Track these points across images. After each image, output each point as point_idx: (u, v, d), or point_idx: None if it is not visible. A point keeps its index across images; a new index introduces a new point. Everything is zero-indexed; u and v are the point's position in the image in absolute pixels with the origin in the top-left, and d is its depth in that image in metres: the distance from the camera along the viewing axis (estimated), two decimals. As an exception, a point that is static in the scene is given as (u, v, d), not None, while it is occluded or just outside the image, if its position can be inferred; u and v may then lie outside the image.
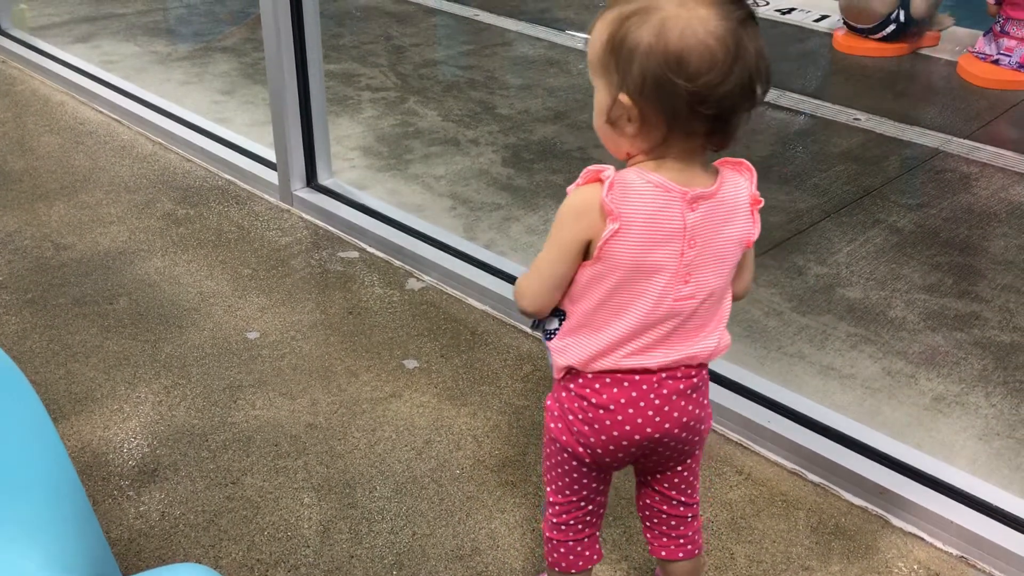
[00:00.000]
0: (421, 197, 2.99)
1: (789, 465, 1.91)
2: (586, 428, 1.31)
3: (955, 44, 4.43)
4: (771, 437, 1.94)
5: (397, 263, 2.60)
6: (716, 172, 1.23)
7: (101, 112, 3.53)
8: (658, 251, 1.20)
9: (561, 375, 1.32)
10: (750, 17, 1.14)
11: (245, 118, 3.51)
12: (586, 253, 1.22)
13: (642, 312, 1.23)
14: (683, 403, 1.30)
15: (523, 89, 3.90)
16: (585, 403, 1.30)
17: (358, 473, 1.88)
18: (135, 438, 1.96)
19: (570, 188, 1.22)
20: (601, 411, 1.29)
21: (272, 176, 2.92)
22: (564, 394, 1.32)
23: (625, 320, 1.24)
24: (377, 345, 2.26)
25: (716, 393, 2.02)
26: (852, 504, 1.83)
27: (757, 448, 1.96)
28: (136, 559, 1.69)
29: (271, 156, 2.95)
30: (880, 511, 1.80)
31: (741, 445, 1.97)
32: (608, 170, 1.17)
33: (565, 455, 1.36)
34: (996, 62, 4.02)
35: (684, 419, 1.31)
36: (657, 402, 1.29)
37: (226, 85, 3.84)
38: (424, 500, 1.81)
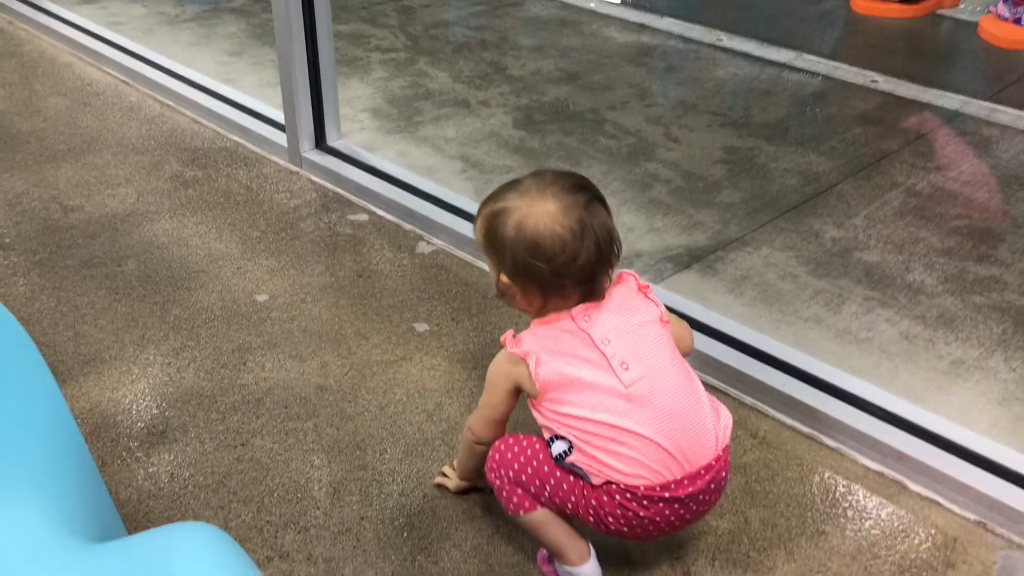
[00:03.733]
0: (431, 159, 2.96)
1: (805, 429, 1.89)
2: (625, 529, 1.44)
3: (975, 4, 4.34)
4: (786, 400, 1.91)
5: (407, 226, 2.57)
6: None
7: (109, 73, 3.49)
8: (578, 360, 1.40)
9: (601, 483, 1.42)
10: (593, 199, 1.41)
11: (253, 79, 3.46)
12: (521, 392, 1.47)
13: (616, 404, 1.38)
14: (718, 493, 1.47)
15: (535, 50, 3.84)
16: (631, 514, 1.41)
17: (368, 435, 1.86)
18: (144, 400, 1.95)
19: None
20: (647, 521, 1.42)
21: (281, 138, 2.89)
22: (606, 498, 1.41)
23: (612, 417, 1.38)
24: (387, 308, 2.24)
25: (730, 356, 2.00)
26: (868, 468, 1.80)
27: (772, 412, 1.93)
28: (145, 520, 1.68)
29: (280, 118, 2.91)
30: (897, 475, 1.78)
31: (756, 409, 1.94)
32: (509, 333, 1.48)
33: (564, 501, 1.47)
34: (1018, 21, 3.94)
35: (719, 493, 1.47)
36: (693, 507, 1.43)
37: (234, 46, 3.79)
38: (435, 462, 1.80)
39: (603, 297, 1.45)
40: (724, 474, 1.46)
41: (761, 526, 1.68)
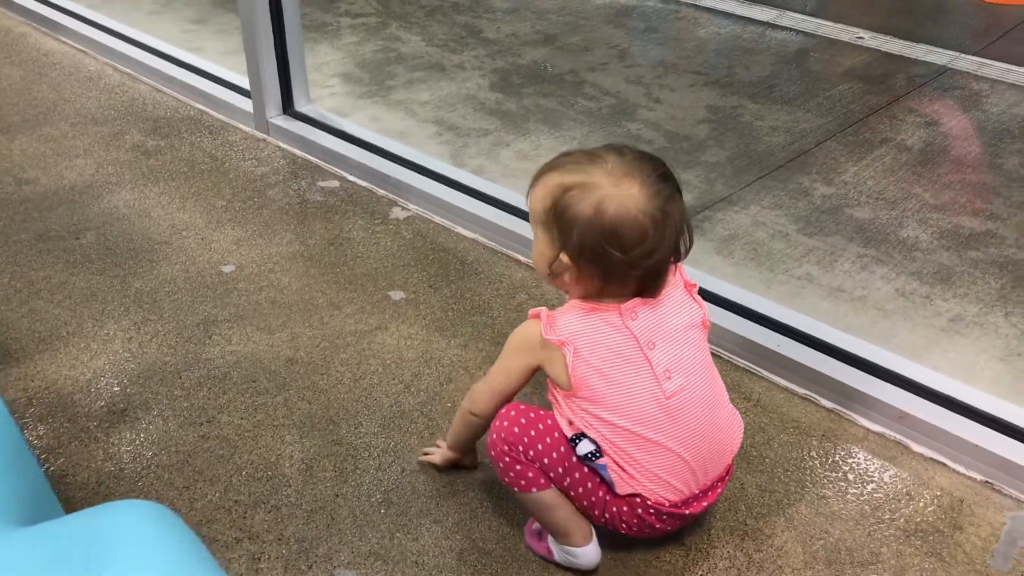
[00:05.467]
0: (405, 124, 2.84)
1: (800, 390, 1.80)
2: (634, 531, 1.39)
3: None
4: (781, 361, 1.82)
5: (381, 192, 2.46)
6: None
7: (66, 43, 3.35)
8: (622, 362, 1.29)
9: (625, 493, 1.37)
10: (676, 191, 1.29)
11: (218, 47, 3.33)
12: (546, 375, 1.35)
13: (654, 415, 1.30)
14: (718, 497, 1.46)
15: (510, 13, 3.72)
16: (646, 523, 1.37)
17: (342, 408, 1.76)
18: (103, 377, 1.84)
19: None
20: (657, 529, 1.39)
21: (247, 104, 2.76)
22: (627, 508, 1.36)
23: (645, 429, 1.30)
24: (361, 276, 2.13)
25: (721, 317, 1.90)
26: (869, 430, 1.72)
27: (766, 373, 1.84)
28: (105, 503, 1.57)
29: (245, 84, 2.78)
30: (899, 436, 1.69)
31: (749, 371, 1.86)
32: (544, 310, 1.33)
33: (582, 484, 1.38)
34: (1004, -24, 3.85)
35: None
36: (697, 514, 1.41)
37: (198, 14, 3.65)
38: (413, 435, 1.70)
39: (659, 293, 1.33)
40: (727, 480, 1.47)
41: (758, 492, 1.59)
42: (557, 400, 1.36)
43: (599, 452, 1.32)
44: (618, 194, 1.24)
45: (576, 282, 1.31)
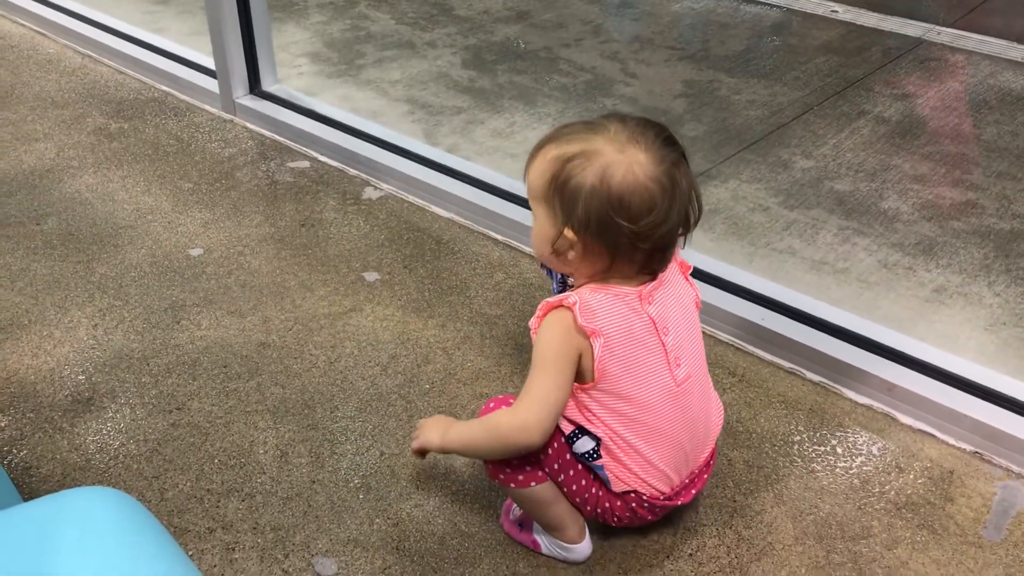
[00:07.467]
0: (376, 103, 2.78)
1: (786, 364, 1.77)
2: (624, 523, 1.35)
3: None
4: (765, 335, 1.79)
5: (352, 171, 2.40)
6: None
7: (23, 25, 3.24)
8: (642, 350, 1.23)
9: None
10: (682, 156, 1.21)
11: (182, 27, 3.24)
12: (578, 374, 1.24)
13: (662, 403, 1.26)
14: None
15: (481, -10, 3.65)
16: (637, 516, 1.33)
17: (317, 392, 1.71)
18: (68, 366, 1.77)
19: (532, 323, 1.26)
20: (649, 518, 1.35)
21: (212, 84, 2.69)
22: (620, 503, 1.32)
23: (654, 418, 1.26)
24: (334, 258, 2.07)
25: (704, 291, 1.86)
26: (856, 403, 1.69)
27: (750, 348, 1.81)
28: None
29: (211, 64, 2.71)
30: (887, 408, 1.67)
31: (733, 345, 1.82)
32: (570, 296, 1.22)
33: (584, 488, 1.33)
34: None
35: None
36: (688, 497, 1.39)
37: (161, -5, 3.55)
38: (391, 418, 1.65)
39: (666, 269, 1.26)
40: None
41: (746, 468, 1.55)
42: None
43: (597, 451, 1.27)
44: (623, 160, 1.15)
45: (582, 259, 1.22)
